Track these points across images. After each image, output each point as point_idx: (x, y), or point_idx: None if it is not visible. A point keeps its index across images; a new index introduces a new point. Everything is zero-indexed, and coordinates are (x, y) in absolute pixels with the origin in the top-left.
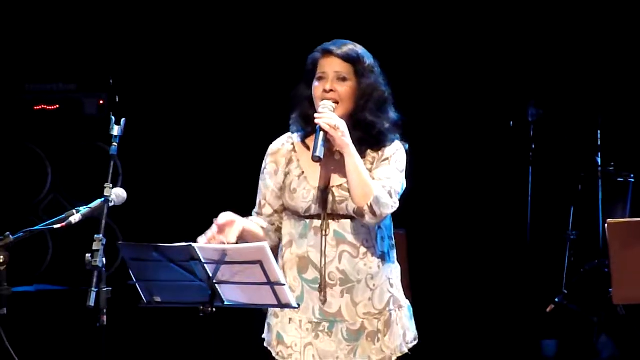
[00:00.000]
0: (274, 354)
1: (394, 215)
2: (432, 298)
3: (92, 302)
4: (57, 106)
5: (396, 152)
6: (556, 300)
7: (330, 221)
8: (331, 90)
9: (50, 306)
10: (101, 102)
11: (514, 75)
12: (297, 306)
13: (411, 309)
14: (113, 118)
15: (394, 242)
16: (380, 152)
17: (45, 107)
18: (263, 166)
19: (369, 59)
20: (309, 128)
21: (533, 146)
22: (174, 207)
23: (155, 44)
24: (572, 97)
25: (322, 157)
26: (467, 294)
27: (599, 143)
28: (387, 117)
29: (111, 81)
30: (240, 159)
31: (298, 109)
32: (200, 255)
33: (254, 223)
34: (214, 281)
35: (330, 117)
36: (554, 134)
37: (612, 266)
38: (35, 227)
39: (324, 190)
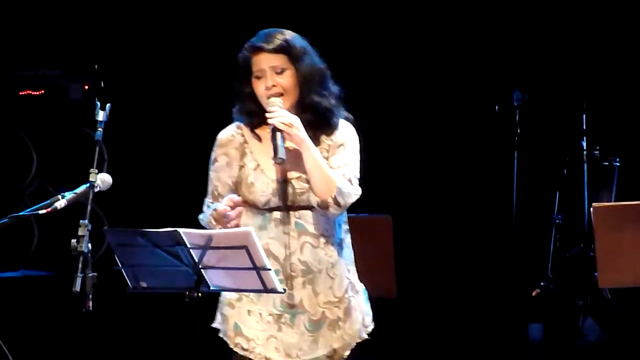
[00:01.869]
0: (231, 345)
1: (372, 200)
2: (419, 284)
3: (78, 288)
4: (42, 91)
5: (349, 136)
6: (542, 284)
7: (290, 212)
8: (273, 86)
9: (37, 291)
10: (86, 87)
11: (498, 59)
12: (282, 291)
13: (366, 292)
14: (98, 103)
15: (348, 226)
16: (333, 138)
17: (30, 92)
18: (212, 157)
19: (298, 42)
20: (255, 120)
21: (518, 131)
22: (159, 192)
23: (140, 29)
24: (557, 81)
25: (285, 158)
26: (454, 280)
27: (584, 127)
28: (330, 92)
29: (96, 67)
30: None
31: (241, 106)
32: (185, 240)
33: None
34: (200, 266)
35: (282, 114)
36: (539, 119)
37: (598, 250)
38: (21, 213)
39: (283, 183)
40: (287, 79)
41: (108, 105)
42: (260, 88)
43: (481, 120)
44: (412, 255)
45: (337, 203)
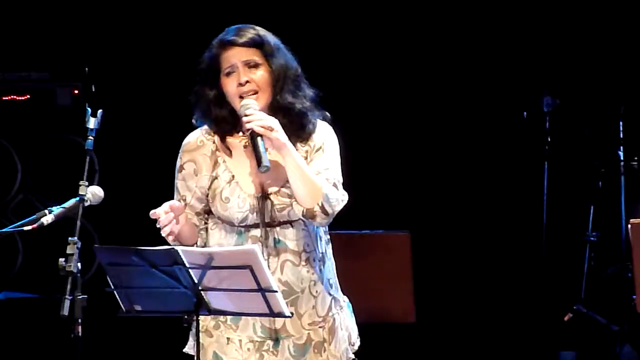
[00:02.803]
0: None
1: (388, 215)
2: (439, 306)
3: (66, 311)
4: (28, 96)
5: (327, 137)
6: (575, 308)
7: (268, 229)
8: (247, 82)
9: (21, 315)
10: (76, 92)
11: (526, 61)
12: (290, 315)
13: (350, 305)
14: (89, 109)
15: (328, 236)
16: (311, 143)
17: (15, 97)
18: (178, 164)
19: (271, 38)
20: (224, 127)
21: (549, 139)
22: (155, 207)
23: (134, 28)
24: (591, 84)
25: (269, 166)
26: (478, 302)
27: (621, 135)
28: (305, 94)
29: (87, 69)
30: None
31: (205, 112)
32: (184, 259)
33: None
34: (200, 288)
35: (260, 117)
36: (572, 126)
37: (636, 270)
38: (4, 229)
39: (262, 198)
40: (262, 74)
41: (100, 111)
42: (231, 86)
43: (508, 128)
44: (432, 275)
45: (324, 212)
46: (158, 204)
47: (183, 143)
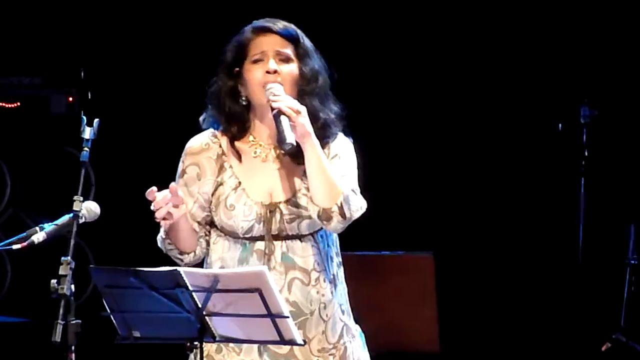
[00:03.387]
0: None
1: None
2: (465, 334)
3: (58, 337)
4: (19, 104)
5: (345, 147)
6: (613, 337)
7: (276, 243)
8: (275, 71)
9: (9, 341)
10: (70, 99)
11: (563, 70)
12: (302, 343)
13: (363, 336)
14: (84, 118)
15: (340, 259)
16: (326, 150)
17: (4, 104)
18: (180, 168)
19: (308, 41)
20: (235, 125)
21: (586, 153)
22: (155, 224)
23: (134, 29)
24: (631, 94)
25: (294, 144)
26: (508, 330)
27: None
28: (331, 107)
29: (82, 74)
30: None
31: (217, 107)
32: (187, 281)
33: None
34: (204, 313)
35: (288, 99)
36: (611, 139)
37: None
38: None
39: (270, 207)
40: (291, 71)
41: (96, 120)
42: (256, 73)
43: (542, 141)
44: (457, 299)
45: (342, 214)
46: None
47: (186, 146)
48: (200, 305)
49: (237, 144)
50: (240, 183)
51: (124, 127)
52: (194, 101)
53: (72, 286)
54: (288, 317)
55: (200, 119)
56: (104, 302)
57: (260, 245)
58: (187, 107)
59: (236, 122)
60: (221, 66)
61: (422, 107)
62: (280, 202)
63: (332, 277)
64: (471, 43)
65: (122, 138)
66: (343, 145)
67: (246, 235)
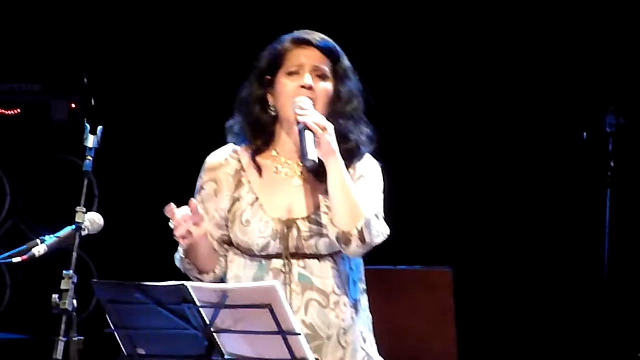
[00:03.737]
0: None
1: (428, 250)
2: (485, 352)
3: (59, 355)
4: (19, 111)
5: (371, 169)
6: (639, 356)
7: (293, 262)
8: (311, 87)
9: (9, 359)
10: (73, 106)
11: (587, 76)
12: None
13: None
14: (88, 126)
15: (365, 286)
16: (351, 170)
17: (3, 111)
18: (199, 184)
19: (347, 61)
20: (261, 137)
21: (612, 163)
22: (161, 237)
23: (139, 33)
24: None
25: (317, 161)
26: (529, 348)
27: None
28: (363, 129)
29: (85, 80)
30: None
31: (245, 115)
32: (195, 297)
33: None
34: (212, 329)
35: (316, 114)
36: (638, 148)
37: None
38: None
39: (288, 223)
40: (326, 89)
41: (100, 128)
42: (290, 85)
43: (566, 151)
44: (477, 316)
45: (361, 238)
46: (165, 233)
47: (205, 161)
48: (208, 322)
49: (258, 158)
50: (257, 199)
51: (129, 135)
52: (202, 109)
53: (75, 301)
54: (300, 334)
55: (228, 124)
56: (108, 318)
57: (277, 263)
58: (195, 115)
59: (262, 133)
60: (254, 72)
61: (441, 118)
62: (298, 219)
63: (354, 302)
64: (494, 52)
65: (127, 147)
66: (370, 167)
67: (262, 253)
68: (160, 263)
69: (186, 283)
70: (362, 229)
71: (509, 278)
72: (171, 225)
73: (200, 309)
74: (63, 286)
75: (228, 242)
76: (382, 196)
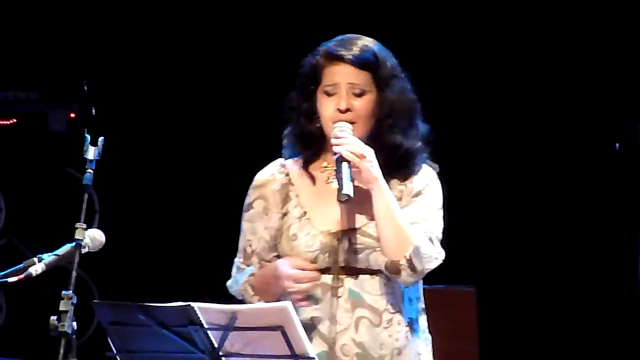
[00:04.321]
0: None
1: (451, 268)
2: None
3: None
4: (14, 120)
5: (430, 183)
6: None
7: (343, 276)
8: (347, 110)
9: None
10: (72, 115)
11: (620, 84)
12: None
13: None
14: (88, 137)
15: (424, 304)
16: (409, 184)
17: None
18: (247, 202)
19: (389, 59)
20: (310, 148)
21: None
22: (165, 255)
23: (142, 40)
24: None
25: (352, 195)
26: None
27: None
28: (417, 133)
29: (85, 88)
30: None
31: (293, 126)
32: (202, 318)
33: None
34: (220, 353)
35: (352, 142)
36: None
37: None
38: None
39: (337, 236)
40: (365, 105)
41: (101, 139)
42: (327, 108)
43: (596, 162)
44: (501, 337)
45: (412, 267)
46: (169, 251)
47: (254, 179)
48: (216, 345)
49: (309, 169)
50: (305, 213)
51: (131, 146)
52: (209, 120)
53: (74, 323)
54: (314, 358)
55: (283, 134)
56: (109, 341)
57: (325, 278)
58: (202, 126)
59: (310, 143)
60: (297, 82)
61: (465, 133)
62: (349, 231)
63: (409, 320)
64: (522, 62)
65: (129, 159)
66: (427, 181)
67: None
68: (165, 282)
69: (192, 304)
70: (410, 257)
71: (535, 298)
72: (291, 283)
73: (208, 332)
74: (62, 307)
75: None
76: (440, 213)
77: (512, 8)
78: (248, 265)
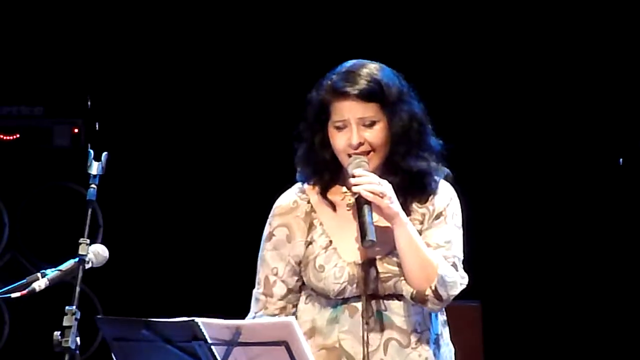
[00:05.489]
0: None
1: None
2: None
3: None
4: (18, 135)
5: (450, 203)
6: None
7: (372, 302)
8: (360, 144)
9: None
10: (75, 130)
11: (623, 98)
12: None
13: None
14: (91, 152)
15: (445, 317)
16: (430, 206)
17: (2, 137)
18: (268, 230)
19: (393, 84)
20: (326, 176)
21: None
22: (169, 270)
23: (145, 56)
24: None
25: (375, 240)
26: None
27: None
28: (430, 152)
29: (89, 103)
30: (258, 203)
31: (307, 155)
32: (206, 333)
33: None
34: None
35: (370, 181)
36: None
37: None
38: None
39: (365, 267)
40: (378, 134)
41: (104, 154)
42: (340, 141)
43: (600, 177)
44: (506, 351)
45: (437, 296)
46: (172, 266)
47: (274, 206)
48: None
49: (328, 195)
50: (331, 242)
51: (135, 161)
52: (215, 136)
53: (78, 339)
54: None
55: (295, 160)
56: (113, 356)
57: (354, 303)
58: (208, 141)
59: (326, 169)
60: (306, 116)
61: (468, 146)
62: (375, 259)
63: (435, 337)
64: (526, 76)
65: (133, 174)
66: (447, 200)
67: (339, 297)
68: (169, 297)
69: (196, 319)
70: (435, 287)
71: (540, 312)
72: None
73: (212, 347)
74: (65, 323)
75: (302, 287)
76: (460, 232)
77: (518, 25)
78: (267, 295)
